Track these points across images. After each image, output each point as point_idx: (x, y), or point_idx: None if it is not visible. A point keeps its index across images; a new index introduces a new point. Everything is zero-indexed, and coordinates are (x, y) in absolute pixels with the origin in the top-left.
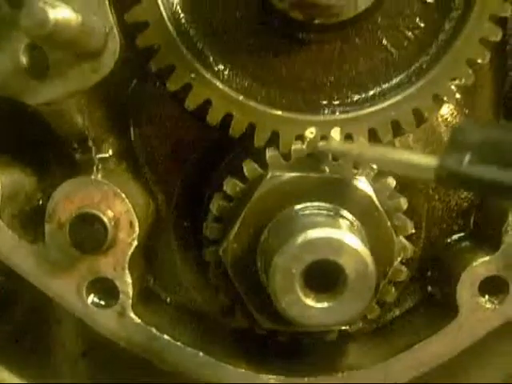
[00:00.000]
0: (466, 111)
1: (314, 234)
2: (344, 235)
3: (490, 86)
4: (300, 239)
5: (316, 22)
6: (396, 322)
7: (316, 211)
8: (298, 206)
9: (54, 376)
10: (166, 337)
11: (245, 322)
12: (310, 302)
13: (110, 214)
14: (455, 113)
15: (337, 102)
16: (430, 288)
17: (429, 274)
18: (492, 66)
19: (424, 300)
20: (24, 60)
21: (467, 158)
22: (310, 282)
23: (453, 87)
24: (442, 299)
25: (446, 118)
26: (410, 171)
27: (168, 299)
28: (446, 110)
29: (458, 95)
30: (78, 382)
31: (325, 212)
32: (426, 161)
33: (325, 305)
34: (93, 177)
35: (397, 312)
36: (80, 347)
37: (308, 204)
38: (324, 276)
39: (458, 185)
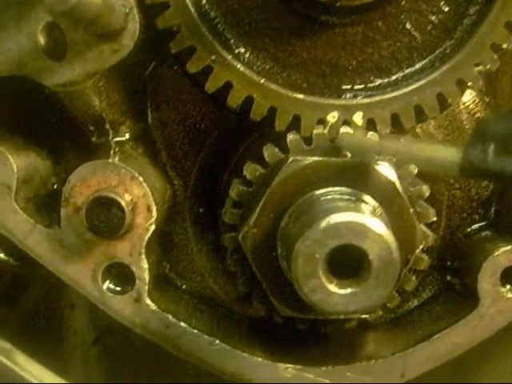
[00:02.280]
0: (487, 99)
1: (337, 218)
2: (368, 220)
3: (511, 73)
4: (323, 224)
5: (339, 4)
6: (414, 312)
7: (338, 196)
8: (319, 191)
9: (65, 362)
10: (182, 324)
11: (262, 309)
12: (332, 287)
13: (128, 197)
14: (477, 100)
15: (359, 87)
16: (449, 277)
17: (448, 263)
18: None
19: (443, 290)
20: (42, 40)
21: (491, 149)
22: (333, 268)
23: (476, 72)
24: (462, 289)
25: (468, 106)
26: (435, 164)
27: (184, 286)
28: (468, 97)
29: (480, 82)
30: (89, 367)
31: (347, 197)
32: (450, 153)
33: (348, 291)
34: (110, 160)
35: (415, 302)
36: (92, 334)
37: (329, 189)
38: (347, 261)
39: (482, 176)
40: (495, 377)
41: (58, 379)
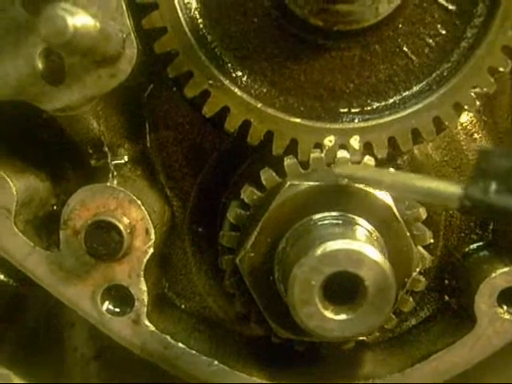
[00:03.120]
0: (485, 119)
1: (333, 245)
2: (364, 247)
3: (509, 93)
4: (319, 251)
5: (336, 28)
6: (412, 331)
7: (335, 221)
8: (316, 216)
9: (65, 379)
10: (180, 345)
11: (260, 330)
12: (328, 314)
13: (126, 221)
14: (474, 120)
15: (356, 110)
16: (446, 297)
17: (446, 283)
18: (511, 73)
19: (441, 309)
20: (40, 65)
21: (493, 186)
22: (329, 294)
23: (473, 95)
24: (459, 309)
25: (466, 126)
26: (434, 200)
27: (183, 306)
28: (466, 118)
29: (477, 103)
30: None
31: (343, 222)
32: (450, 189)
33: (344, 317)
34: (108, 184)
35: (413, 321)
36: (92, 350)
37: (326, 214)
38: (343, 288)
39: (483, 214)
40: None
41: None
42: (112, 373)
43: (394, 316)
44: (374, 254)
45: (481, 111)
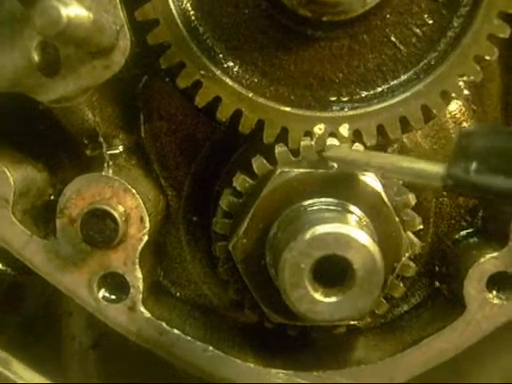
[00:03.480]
0: (475, 107)
1: (322, 229)
2: (352, 230)
3: (499, 82)
4: (308, 235)
5: (324, 19)
6: (404, 317)
7: (324, 207)
8: (306, 202)
9: (63, 368)
10: (175, 331)
11: (254, 316)
12: (318, 296)
13: (121, 209)
14: (463, 109)
15: (345, 99)
16: (437, 283)
17: (436, 269)
18: (500, 63)
19: (432, 295)
20: (36, 57)
21: (474, 166)
22: (318, 277)
23: (461, 84)
24: (450, 295)
25: (455, 115)
26: (418, 179)
27: (178, 294)
28: (455, 107)
29: (466, 91)
30: (87, 373)
31: (333, 208)
32: (434, 169)
33: (333, 299)
34: (103, 173)
35: (405, 307)
36: (90, 339)
37: (316, 200)
38: (333, 271)
39: (466, 192)
40: (485, 379)
41: None
42: (110, 361)
43: (384, 301)
44: (363, 238)
45: (470, 100)
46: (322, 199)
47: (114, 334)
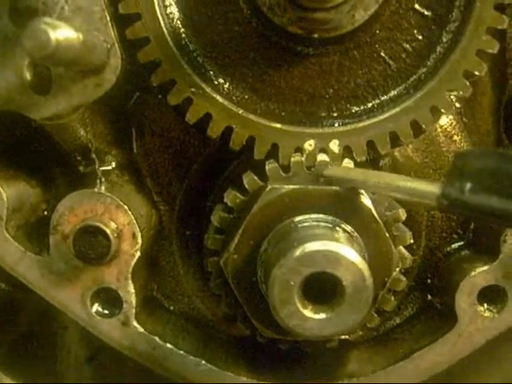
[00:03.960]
0: (466, 120)
1: (311, 246)
2: (341, 248)
3: (490, 95)
4: (298, 252)
5: (315, 35)
6: (396, 329)
7: (315, 223)
8: (297, 218)
9: (60, 381)
10: (168, 345)
11: (246, 330)
12: (308, 313)
13: (113, 225)
14: (454, 122)
15: (336, 114)
16: (429, 296)
17: (429, 282)
18: (491, 76)
19: (424, 308)
20: (28, 76)
21: (468, 186)
22: (308, 294)
23: (451, 98)
24: (442, 308)
25: (446, 128)
26: (413, 198)
27: (171, 307)
28: (446, 120)
29: (457, 104)
30: None
31: (323, 224)
32: (429, 189)
33: (323, 316)
34: (96, 189)
35: (397, 320)
36: (85, 353)
37: (307, 216)
38: (322, 288)
39: (460, 212)
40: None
41: None
42: (106, 375)
43: (376, 315)
44: (351, 255)
45: (461, 113)
46: (313, 215)
47: (109, 347)
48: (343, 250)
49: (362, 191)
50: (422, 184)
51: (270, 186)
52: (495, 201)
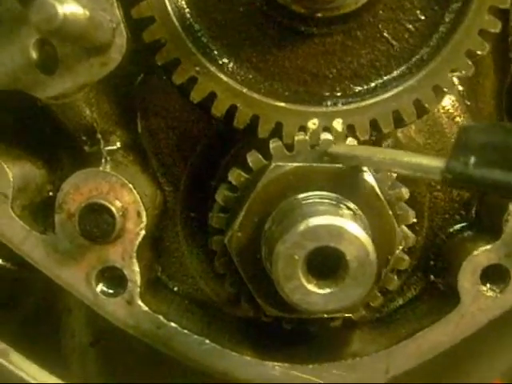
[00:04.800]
0: (468, 103)
1: (315, 221)
2: (345, 222)
3: (492, 77)
4: (302, 226)
5: (318, 15)
6: (399, 310)
7: (318, 200)
8: (300, 195)
9: (63, 365)
10: (173, 324)
11: (250, 310)
12: (312, 287)
13: (118, 204)
14: (457, 104)
15: (339, 94)
16: (432, 277)
17: (431, 263)
18: (494, 58)
19: (427, 289)
20: (34, 55)
21: (472, 160)
22: (312, 269)
23: (454, 78)
24: (445, 288)
25: (448, 110)
26: (417, 173)
27: (175, 288)
28: (448, 102)
29: (460, 87)
30: (86, 369)
31: (327, 201)
32: (433, 163)
33: (327, 290)
34: (101, 168)
35: (400, 301)
36: (89, 337)
37: (310, 193)
38: (326, 262)
39: (464, 186)
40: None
41: (54, 379)
42: (110, 358)
43: (379, 294)
44: (355, 229)
45: (464, 95)
46: (316, 192)
47: (114, 330)
48: (347, 225)
49: (366, 169)
50: (427, 159)
51: (273, 164)
52: (499, 174)
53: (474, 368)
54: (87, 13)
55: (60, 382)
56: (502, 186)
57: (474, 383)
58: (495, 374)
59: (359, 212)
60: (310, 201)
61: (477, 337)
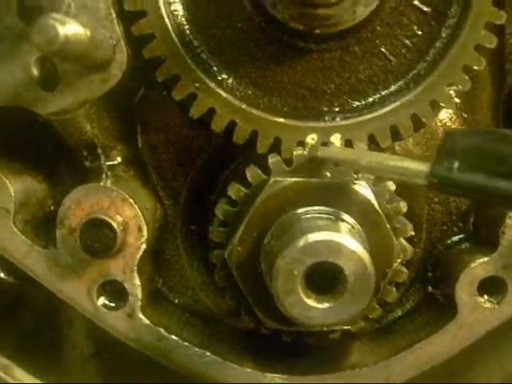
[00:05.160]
0: (465, 115)
1: (314, 237)
2: (343, 238)
3: (489, 90)
4: (301, 242)
5: (316, 31)
6: (398, 322)
7: (317, 215)
8: (299, 210)
9: (64, 377)
10: (173, 337)
11: (250, 322)
12: (311, 302)
13: (119, 219)
14: (454, 117)
15: (337, 109)
16: (430, 288)
17: (429, 274)
18: (490, 71)
19: (425, 300)
20: (35, 72)
21: (456, 164)
22: (311, 284)
23: (451, 92)
24: (443, 299)
25: (445, 123)
26: (403, 177)
27: (176, 300)
28: (445, 115)
29: (457, 100)
30: (88, 382)
31: (326, 216)
32: (418, 167)
33: (325, 305)
34: (102, 183)
35: (399, 312)
36: (90, 348)
37: (309, 208)
38: (325, 278)
39: (448, 190)
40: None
41: None
42: (111, 370)
43: (377, 306)
44: (353, 245)
45: (461, 108)
46: (315, 207)
47: (115, 342)
48: (345, 240)
49: (364, 183)
50: (412, 163)
51: (272, 179)
52: (482, 178)
53: (471, 378)
54: (88, 33)
55: None
56: (485, 191)
57: None
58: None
59: (357, 226)
60: (309, 216)
61: (474, 347)
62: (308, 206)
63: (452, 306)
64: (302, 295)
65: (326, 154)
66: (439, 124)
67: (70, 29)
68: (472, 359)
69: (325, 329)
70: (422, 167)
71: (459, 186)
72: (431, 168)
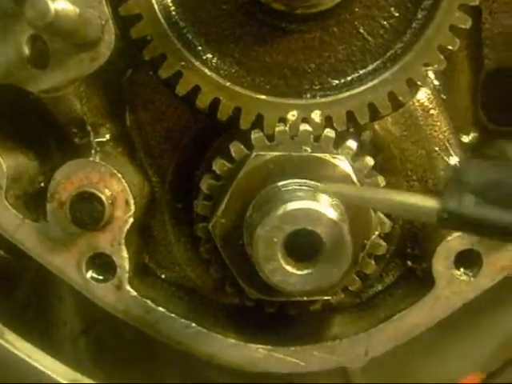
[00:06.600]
0: (444, 97)
1: (293, 205)
2: (321, 206)
3: (467, 73)
4: (280, 210)
5: (297, 12)
6: (378, 296)
7: (297, 187)
8: (280, 183)
9: (55, 352)
10: (160, 309)
11: (234, 295)
12: (290, 269)
13: (108, 192)
14: (432, 97)
15: (317, 87)
16: (409, 263)
17: (408, 250)
18: (468, 54)
19: (405, 275)
20: (27, 50)
21: (468, 199)
22: (291, 251)
23: (428, 72)
24: (422, 274)
25: (423, 103)
26: (412, 214)
27: (163, 275)
28: (423, 95)
29: (436, 82)
30: (78, 357)
31: (305, 188)
32: (428, 204)
33: (305, 272)
34: (91, 159)
35: (379, 287)
36: (81, 324)
37: (290, 181)
38: (305, 246)
39: (460, 227)
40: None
41: (49, 358)
42: (101, 346)
43: (357, 278)
44: (331, 213)
45: (440, 90)
46: (295, 180)
47: (105, 319)
48: (323, 209)
49: (343, 158)
50: (421, 199)
51: (255, 153)
52: (495, 213)
53: (451, 359)
54: (77, 10)
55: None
56: (499, 227)
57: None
58: (473, 364)
59: (336, 198)
60: (289, 188)
61: (452, 326)
62: (289, 179)
63: (430, 279)
64: (282, 262)
65: (334, 189)
66: (417, 104)
67: (60, 5)
68: (449, 340)
69: (305, 298)
70: (431, 203)
71: (473, 222)
72: (442, 204)
